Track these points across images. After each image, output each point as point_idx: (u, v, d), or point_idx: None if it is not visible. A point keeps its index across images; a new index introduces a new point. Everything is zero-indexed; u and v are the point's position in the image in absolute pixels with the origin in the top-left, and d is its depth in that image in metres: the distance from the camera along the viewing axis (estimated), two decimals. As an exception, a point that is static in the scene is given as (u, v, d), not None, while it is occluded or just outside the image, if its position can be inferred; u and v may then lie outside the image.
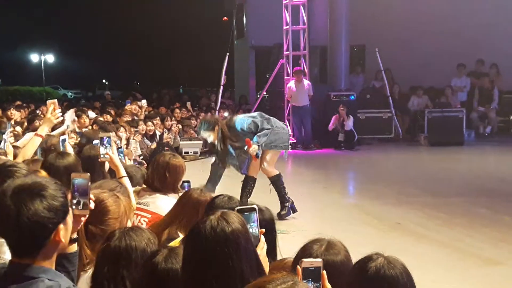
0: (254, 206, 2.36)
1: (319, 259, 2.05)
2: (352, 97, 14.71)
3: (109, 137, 4.09)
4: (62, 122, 6.68)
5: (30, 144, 4.65)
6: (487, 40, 16.13)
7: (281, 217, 7.23)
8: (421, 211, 7.53)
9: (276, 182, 7.48)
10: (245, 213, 2.30)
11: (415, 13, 16.49)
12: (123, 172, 4.02)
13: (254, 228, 2.33)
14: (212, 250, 2.07)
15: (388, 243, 6.16)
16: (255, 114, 7.43)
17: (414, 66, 16.15)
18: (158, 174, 4.20)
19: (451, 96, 15.34)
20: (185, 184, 4.24)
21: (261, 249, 2.37)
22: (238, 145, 7.24)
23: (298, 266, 2.00)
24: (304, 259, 2.04)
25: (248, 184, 7.53)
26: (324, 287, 1.99)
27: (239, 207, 2.34)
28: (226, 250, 2.06)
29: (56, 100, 4.74)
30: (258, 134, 7.07)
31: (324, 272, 1.98)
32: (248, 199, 7.26)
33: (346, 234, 6.62)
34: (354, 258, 2.26)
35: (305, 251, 2.46)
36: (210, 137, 7.28)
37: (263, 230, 2.39)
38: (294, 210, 7.45)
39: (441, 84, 15.66)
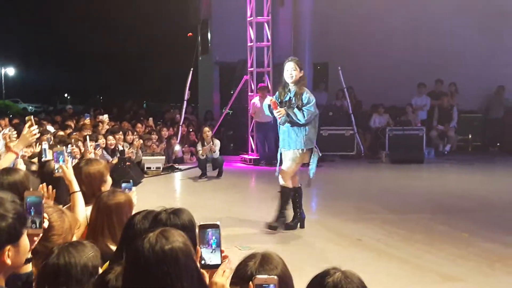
0: (217, 223, 2.25)
1: (274, 276, 1.95)
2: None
3: (62, 151, 4.02)
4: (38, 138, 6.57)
5: (3, 160, 4.51)
6: (447, 60, 16.47)
7: (287, 226, 7.42)
8: (382, 228, 7.60)
9: (285, 194, 7.48)
10: (207, 230, 2.20)
11: (377, 33, 16.78)
12: (76, 187, 3.91)
13: (213, 247, 2.22)
14: (150, 268, 2.03)
15: (348, 259, 6.19)
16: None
17: (376, 84, 16.40)
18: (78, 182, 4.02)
19: (411, 114, 15.61)
20: (123, 185, 3.89)
21: (222, 275, 2.23)
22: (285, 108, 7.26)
23: (251, 283, 1.93)
24: (258, 276, 1.96)
25: (287, 195, 7.49)
26: None
27: (201, 223, 2.24)
28: (165, 268, 2.02)
29: (32, 116, 4.59)
30: (306, 108, 7.12)
31: None
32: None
33: (307, 250, 6.67)
34: (311, 274, 2.24)
35: (240, 269, 2.37)
36: (293, 72, 7.26)
37: (226, 255, 2.27)
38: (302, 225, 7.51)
39: (402, 102, 15.92)
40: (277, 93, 7.60)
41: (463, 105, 16.34)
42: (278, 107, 7.29)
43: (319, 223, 7.96)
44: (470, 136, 16.78)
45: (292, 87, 7.35)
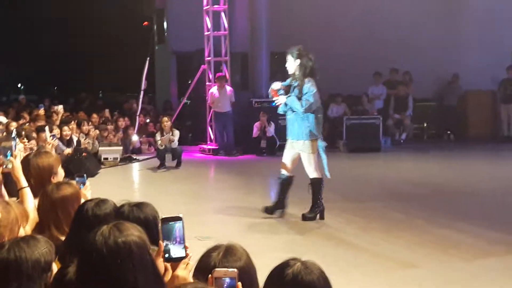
0: (180, 215, 2.19)
1: (234, 269, 1.92)
2: (274, 103, 14.76)
3: (10, 146, 3.90)
4: None
5: None
6: (402, 49, 16.66)
7: (304, 217, 7.40)
8: (340, 216, 7.67)
9: (285, 184, 7.55)
10: (169, 223, 2.15)
11: (334, 22, 16.85)
12: (24, 183, 3.81)
13: (176, 240, 2.18)
14: (103, 261, 2.00)
15: (307, 248, 6.25)
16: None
17: (333, 74, 16.48)
18: (26, 177, 3.92)
19: (367, 104, 15.78)
20: (77, 179, 3.78)
21: (184, 268, 2.21)
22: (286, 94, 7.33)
23: (210, 276, 1.89)
24: (217, 269, 1.93)
25: (318, 185, 7.45)
26: None
27: (164, 217, 2.19)
28: (118, 261, 1.99)
29: None
30: (305, 98, 7.12)
31: (240, 284, 1.88)
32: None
33: (266, 239, 6.68)
34: (273, 264, 2.23)
35: (204, 260, 2.36)
36: (288, 65, 7.34)
37: (186, 247, 2.24)
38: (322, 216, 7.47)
39: (359, 92, 16.08)
40: (289, 79, 7.54)
41: (418, 94, 16.59)
42: (280, 94, 7.33)
43: (277, 212, 7.96)
44: (425, 125, 17.08)
45: (296, 77, 7.33)
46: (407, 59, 16.48)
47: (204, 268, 2.25)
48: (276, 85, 7.52)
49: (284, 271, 2.11)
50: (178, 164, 12.09)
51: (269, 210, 7.61)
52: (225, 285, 1.85)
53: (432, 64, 16.59)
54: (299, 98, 7.24)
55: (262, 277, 2.29)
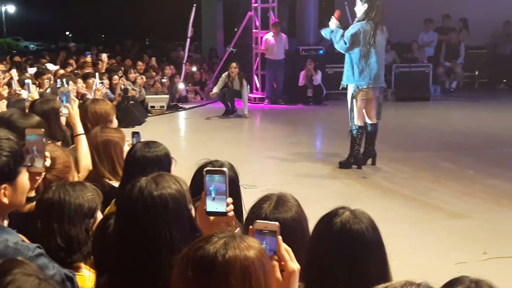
0: (224, 169, 2.09)
1: (275, 223, 1.82)
2: (321, 51, 14.59)
3: (68, 91, 3.93)
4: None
5: None
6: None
7: (340, 164, 7.46)
8: (387, 166, 7.58)
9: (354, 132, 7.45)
10: (213, 175, 2.07)
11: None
12: (80, 130, 3.80)
13: (218, 194, 2.08)
14: (137, 213, 1.97)
15: (354, 197, 6.21)
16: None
17: (382, 21, 16.05)
18: (83, 123, 3.96)
19: (417, 51, 15.36)
20: (135, 135, 3.75)
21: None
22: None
23: (251, 226, 1.85)
24: (258, 221, 1.84)
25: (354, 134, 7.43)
26: (280, 256, 1.77)
27: (207, 168, 2.11)
28: (152, 215, 1.96)
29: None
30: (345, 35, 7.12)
31: (280, 237, 1.78)
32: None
33: (313, 188, 6.66)
34: (320, 212, 2.20)
35: (255, 211, 2.32)
36: (355, 9, 7.31)
37: (230, 200, 2.10)
38: (359, 165, 7.46)
39: (409, 39, 15.64)
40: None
41: (471, 41, 16.05)
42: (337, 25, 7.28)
43: (324, 162, 7.93)
44: (476, 73, 16.57)
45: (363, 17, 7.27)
46: (460, 5, 15.90)
47: (254, 218, 2.21)
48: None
49: (332, 220, 2.07)
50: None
51: (357, 163, 7.51)
52: (265, 239, 1.80)
53: (485, 10, 15.94)
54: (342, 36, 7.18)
55: (310, 226, 2.27)
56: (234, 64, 12.27)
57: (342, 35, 7.17)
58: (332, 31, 7.31)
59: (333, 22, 7.30)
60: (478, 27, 15.74)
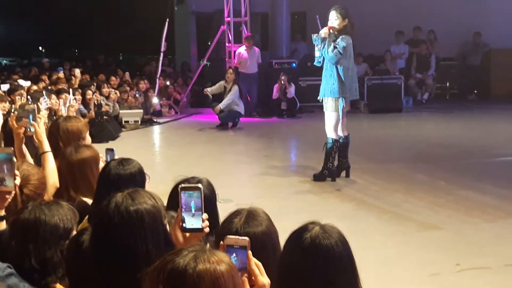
0: (199, 185, 2.13)
1: (245, 238, 1.85)
2: (294, 64, 14.69)
3: (33, 109, 3.90)
4: None
5: None
6: (426, 7, 16.31)
7: (314, 177, 7.45)
8: (361, 178, 7.62)
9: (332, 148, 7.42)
10: (188, 192, 2.09)
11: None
12: (47, 147, 3.78)
13: (194, 210, 2.10)
14: (114, 228, 1.99)
15: (328, 210, 6.23)
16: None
17: (354, 33, 16.20)
18: (52, 144, 3.91)
19: (390, 62, 15.52)
20: (109, 152, 3.75)
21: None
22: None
23: (222, 242, 1.86)
24: (229, 236, 1.87)
25: (329, 147, 7.40)
26: (250, 270, 1.80)
27: (183, 185, 2.15)
28: (129, 229, 1.98)
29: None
30: (336, 45, 7.09)
31: (250, 252, 1.81)
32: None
33: (287, 201, 6.67)
34: (294, 226, 2.20)
35: (225, 225, 2.35)
36: (334, 22, 7.25)
37: (206, 216, 2.14)
38: (333, 177, 7.44)
39: (381, 51, 15.80)
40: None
41: (441, 53, 16.30)
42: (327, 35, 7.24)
43: (299, 174, 7.96)
44: (448, 84, 16.82)
45: (341, 34, 7.25)
46: (430, 17, 16.13)
47: (225, 233, 2.22)
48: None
49: (302, 235, 2.08)
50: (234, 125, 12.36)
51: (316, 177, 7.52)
52: (235, 254, 1.81)
53: (454, 22, 16.21)
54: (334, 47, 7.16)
55: (283, 239, 2.27)
56: (230, 70, 12.53)
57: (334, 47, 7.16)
58: (323, 39, 7.24)
59: (325, 31, 7.26)
60: (448, 38, 16.00)
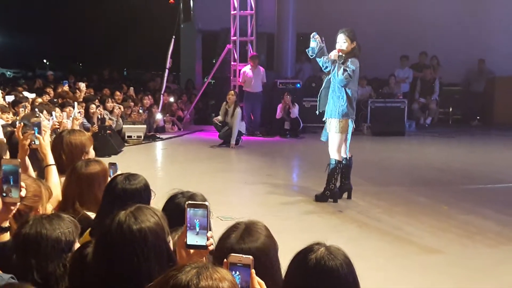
0: (206, 203, 2.12)
1: (249, 257, 1.85)
2: (298, 85, 14.76)
3: (39, 122, 3.93)
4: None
5: None
6: (429, 32, 16.43)
7: (316, 197, 7.44)
8: (362, 200, 7.62)
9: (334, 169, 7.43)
10: (194, 209, 2.08)
11: (361, 5, 16.63)
12: (50, 160, 3.81)
13: (199, 228, 2.09)
14: (116, 247, 1.99)
15: (330, 231, 6.21)
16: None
17: (360, 56, 16.28)
18: (55, 156, 3.94)
19: (394, 85, 15.58)
20: (111, 166, 3.78)
21: (199, 255, 2.06)
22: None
23: (226, 260, 1.86)
24: (233, 254, 1.87)
25: (333, 168, 7.41)
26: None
27: (189, 202, 2.13)
28: (132, 248, 1.98)
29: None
30: (346, 68, 7.11)
31: (253, 271, 1.81)
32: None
33: (289, 221, 6.66)
34: (295, 245, 2.20)
35: (222, 241, 2.33)
36: (343, 44, 7.26)
37: (211, 234, 2.14)
38: (335, 199, 7.44)
39: (385, 75, 15.88)
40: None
41: (445, 78, 16.36)
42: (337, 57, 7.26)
43: (301, 194, 7.95)
44: (451, 109, 16.86)
45: (349, 57, 7.29)
46: (435, 43, 16.24)
47: (221, 248, 2.23)
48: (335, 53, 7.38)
49: (307, 256, 2.08)
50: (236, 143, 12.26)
51: (318, 197, 7.52)
52: (238, 272, 1.81)
53: (459, 48, 16.30)
54: (345, 70, 7.18)
55: (285, 259, 2.27)
56: (232, 92, 12.48)
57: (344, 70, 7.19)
58: (333, 61, 7.29)
59: (335, 53, 7.29)
60: (452, 64, 16.08)
